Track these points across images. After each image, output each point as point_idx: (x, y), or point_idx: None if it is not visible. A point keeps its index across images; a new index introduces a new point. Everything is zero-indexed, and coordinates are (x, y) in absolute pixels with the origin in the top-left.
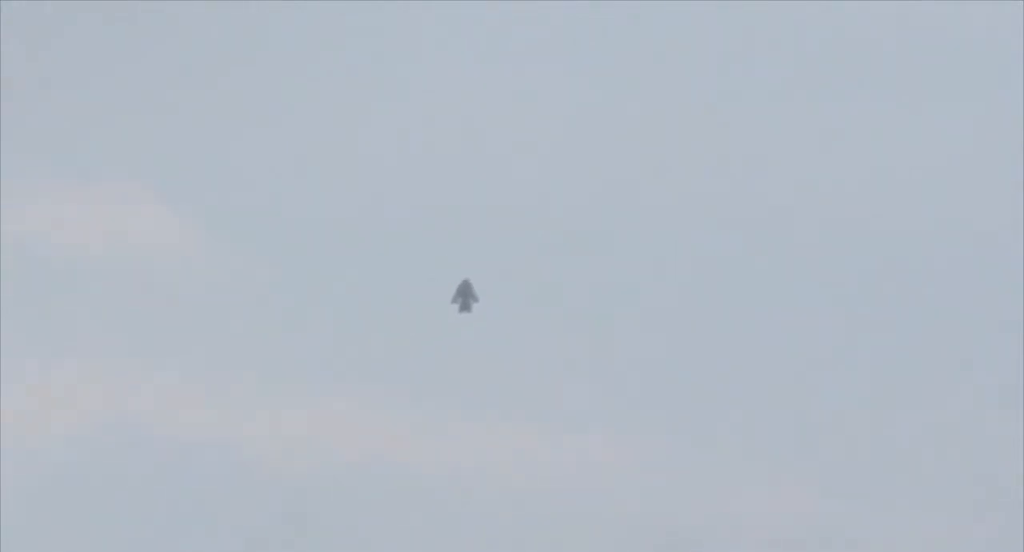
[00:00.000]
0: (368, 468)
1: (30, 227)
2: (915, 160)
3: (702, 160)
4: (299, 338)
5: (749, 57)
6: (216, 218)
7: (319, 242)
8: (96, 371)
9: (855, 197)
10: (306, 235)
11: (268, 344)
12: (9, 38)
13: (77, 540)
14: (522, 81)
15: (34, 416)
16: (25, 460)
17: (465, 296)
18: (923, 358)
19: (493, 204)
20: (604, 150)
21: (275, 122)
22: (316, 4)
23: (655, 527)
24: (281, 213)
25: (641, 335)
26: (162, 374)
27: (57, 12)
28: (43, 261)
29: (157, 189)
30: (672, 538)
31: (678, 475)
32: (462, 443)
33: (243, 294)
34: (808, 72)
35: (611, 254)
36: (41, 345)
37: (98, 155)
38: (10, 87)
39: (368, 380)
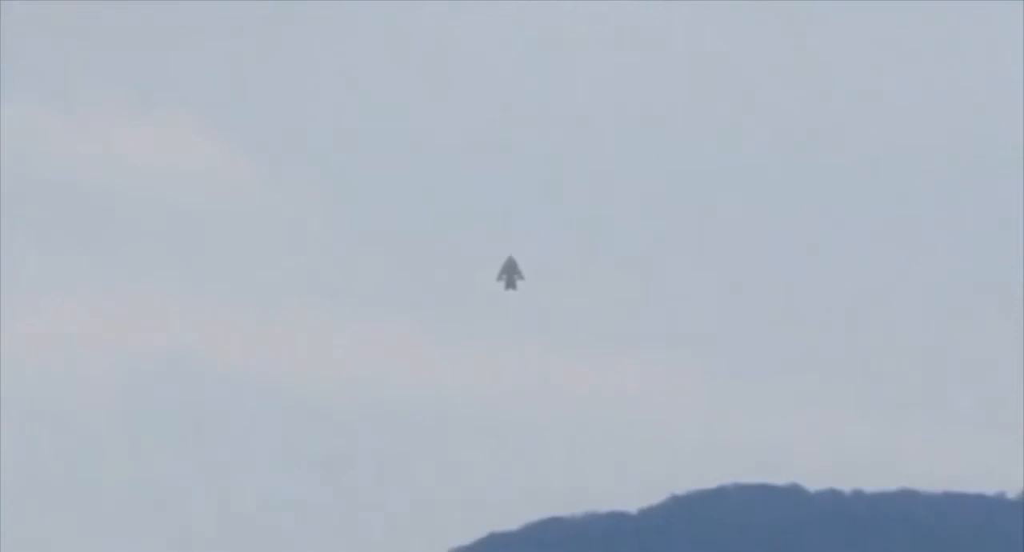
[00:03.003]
0: (415, 396)
1: (79, 156)
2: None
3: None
4: (346, 269)
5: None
6: (265, 150)
7: (367, 175)
8: (143, 300)
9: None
10: (354, 168)
11: (315, 275)
12: None
13: (123, 466)
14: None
15: (81, 345)
16: (72, 388)
17: (510, 273)
18: (961, 289)
19: (543, 137)
20: (652, 85)
21: (326, 59)
22: None
23: (696, 450)
24: (329, 146)
25: (694, 264)
26: (208, 304)
27: None
28: (94, 190)
29: (209, 120)
30: (711, 461)
31: (720, 401)
32: (504, 371)
33: (290, 226)
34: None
35: (653, 188)
36: (89, 274)
37: (153, 87)
38: (71, 22)
39: (419, 310)
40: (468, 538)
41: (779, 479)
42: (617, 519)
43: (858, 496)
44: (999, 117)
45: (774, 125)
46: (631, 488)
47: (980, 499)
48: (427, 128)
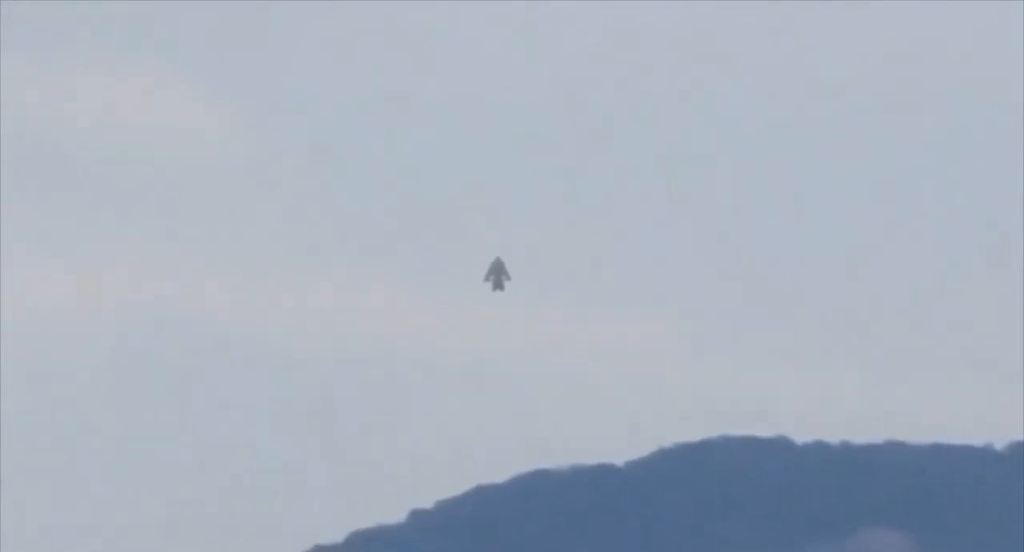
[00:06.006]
0: (401, 349)
1: (59, 111)
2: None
3: (720, 51)
4: (328, 222)
5: None
6: (246, 103)
7: (349, 126)
8: (126, 254)
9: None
10: (336, 119)
11: (296, 228)
12: None
13: (108, 420)
14: None
15: (63, 301)
16: (55, 344)
17: (498, 274)
18: (949, 242)
19: (529, 92)
20: (626, 38)
21: (309, 10)
22: None
23: (683, 402)
24: (310, 98)
25: (682, 216)
26: (192, 257)
27: None
28: (76, 144)
29: (190, 74)
30: (698, 414)
31: (707, 354)
32: (491, 325)
33: (274, 178)
34: None
35: (635, 144)
36: (72, 228)
37: (127, 40)
38: None
39: (403, 263)
40: (455, 491)
41: (766, 431)
42: (604, 472)
43: (846, 448)
44: (991, 74)
45: (759, 78)
46: (618, 441)
47: (968, 451)
48: (410, 81)
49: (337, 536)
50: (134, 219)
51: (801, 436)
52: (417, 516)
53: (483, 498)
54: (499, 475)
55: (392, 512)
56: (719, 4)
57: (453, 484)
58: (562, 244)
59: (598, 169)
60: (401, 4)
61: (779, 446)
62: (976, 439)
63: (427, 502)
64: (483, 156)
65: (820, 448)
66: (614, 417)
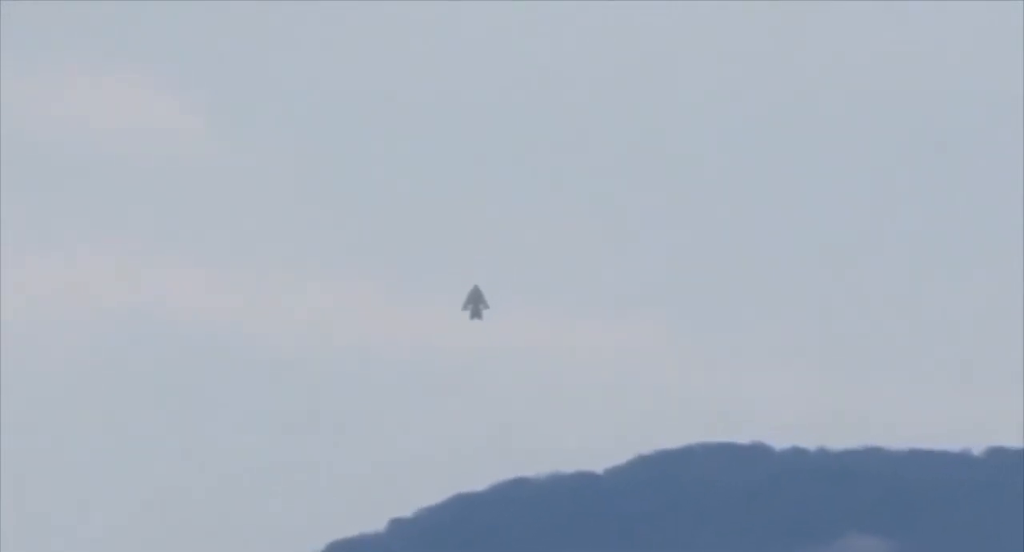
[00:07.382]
0: (380, 356)
1: (43, 116)
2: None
3: (725, 48)
4: (313, 226)
5: None
6: (229, 106)
7: (326, 132)
8: (107, 260)
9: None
10: (314, 124)
11: (282, 232)
12: None
13: (94, 425)
14: None
15: (50, 305)
16: (43, 349)
17: (476, 303)
18: (929, 248)
19: (512, 89)
20: (626, 31)
21: (286, 16)
22: None
23: (662, 410)
24: (294, 102)
25: (659, 221)
26: (172, 263)
27: None
28: (56, 150)
29: (168, 76)
30: (677, 421)
31: (685, 361)
32: (474, 333)
33: (253, 184)
34: None
35: (631, 138)
36: (57, 234)
37: (108, 43)
38: None
39: (384, 267)
40: (435, 499)
41: (744, 438)
42: (583, 479)
43: (823, 454)
44: (991, 74)
45: (759, 78)
46: (597, 448)
47: (946, 456)
48: (402, 83)
49: (317, 545)
50: (128, 222)
51: (779, 443)
52: (397, 524)
53: (463, 506)
54: (479, 483)
55: (372, 520)
56: (719, 4)
57: (433, 492)
58: (540, 250)
59: (597, 169)
60: (393, 4)
61: (757, 453)
62: (954, 444)
63: (407, 510)
64: (479, 157)
65: (798, 454)
66: (593, 425)
